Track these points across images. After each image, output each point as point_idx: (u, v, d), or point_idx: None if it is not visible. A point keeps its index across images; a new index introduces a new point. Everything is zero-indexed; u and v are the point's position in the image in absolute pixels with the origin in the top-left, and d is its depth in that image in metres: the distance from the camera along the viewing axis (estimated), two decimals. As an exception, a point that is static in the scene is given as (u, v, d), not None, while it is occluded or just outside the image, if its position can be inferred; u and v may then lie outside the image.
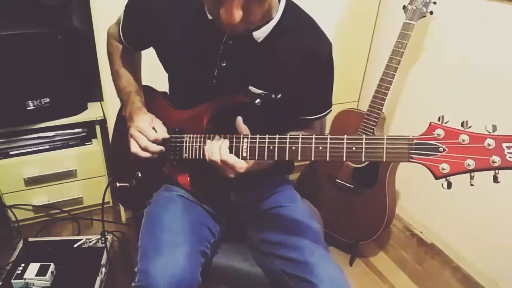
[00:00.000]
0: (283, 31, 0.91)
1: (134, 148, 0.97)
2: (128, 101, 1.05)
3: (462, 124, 0.67)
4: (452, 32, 1.55)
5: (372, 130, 1.55)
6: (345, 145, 0.76)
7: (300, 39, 0.93)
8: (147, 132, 0.96)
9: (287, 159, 0.83)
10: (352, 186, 1.65)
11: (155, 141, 0.97)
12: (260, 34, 0.90)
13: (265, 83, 0.94)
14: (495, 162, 0.64)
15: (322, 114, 1.06)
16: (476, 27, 1.47)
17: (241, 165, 0.86)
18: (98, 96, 1.76)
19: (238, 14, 0.75)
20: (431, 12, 1.45)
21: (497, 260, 1.51)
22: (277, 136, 0.84)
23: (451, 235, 1.67)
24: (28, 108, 1.62)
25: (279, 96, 0.96)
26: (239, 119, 0.89)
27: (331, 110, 1.08)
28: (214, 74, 0.95)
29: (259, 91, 0.94)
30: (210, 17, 0.89)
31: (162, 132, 0.99)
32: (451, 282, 1.64)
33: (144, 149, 0.96)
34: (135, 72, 1.14)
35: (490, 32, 1.42)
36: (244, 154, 0.87)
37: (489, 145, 0.64)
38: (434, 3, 1.43)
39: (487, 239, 1.53)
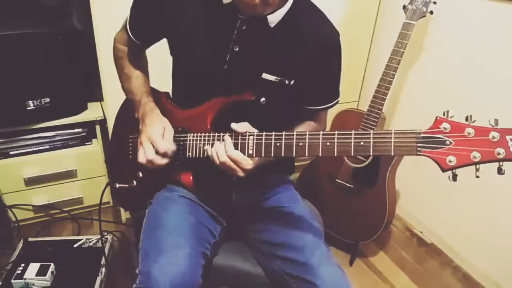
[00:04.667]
0: (295, 17, 0.93)
1: (141, 158, 0.97)
2: (140, 102, 1.06)
3: (466, 119, 0.69)
4: (452, 32, 1.55)
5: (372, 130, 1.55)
6: (353, 140, 0.77)
7: (311, 25, 0.95)
8: (158, 145, 0.95)
9: (294, 155, 0.83)
10: (352, 186, 1.65)
11: (163, 155, 0.96)
12: (274, 19, 0.91)
13: (279, 69, 0.95)
14: (500, 154, 0.66)
15: (330, 104, 1.09)
16: (476, 27, 1.47)
17: (248, 161, 0.87)
18: (98, 96, 1.76)
19: None
20: (431, 12, 1.45)
21: (497, 260, 1.51)
22: (283, 132, 0.84)
23: (451, 235, 1.67)
24: (28, 108, 1.61)
25: (292, 82, 0.97)
26: (233, 125, 0.89)
27: (338, 101, 1.10)
28: (226, 59, 0.96)
29: (273, 78, 0.95)
30: (225, 1, 0.90)
31: (170, 145, 0.98)
32: (451, 282, 1.64)
33: (150, 162, 0.96)
34: (144, 75, 1.14)
35: (490, 32, 1.42)
36: (250, 152, 0.88)
37: (493, 137, 0.67)
38: (434, 3, 1.43)
39: (487, 239, 1.53)
